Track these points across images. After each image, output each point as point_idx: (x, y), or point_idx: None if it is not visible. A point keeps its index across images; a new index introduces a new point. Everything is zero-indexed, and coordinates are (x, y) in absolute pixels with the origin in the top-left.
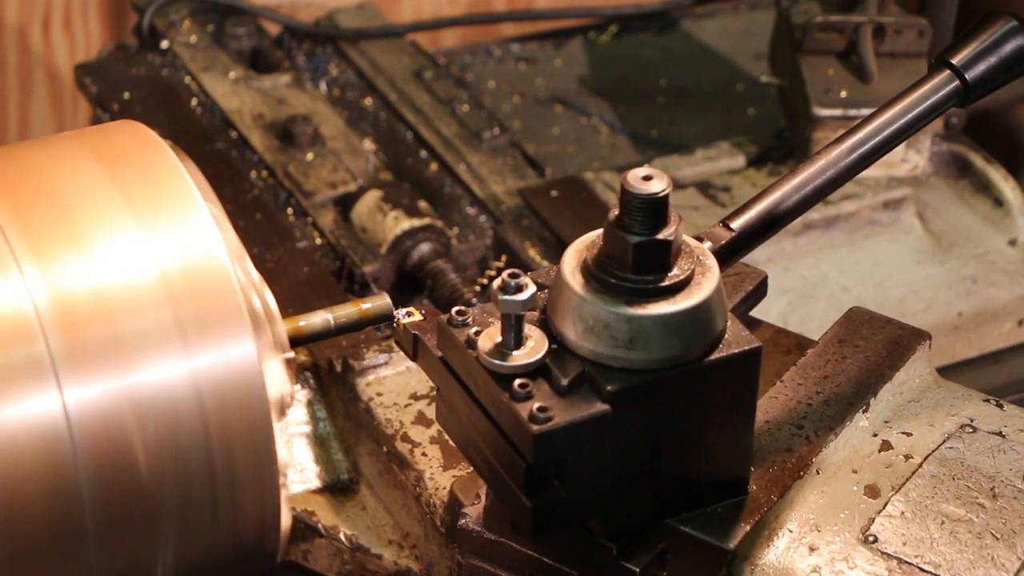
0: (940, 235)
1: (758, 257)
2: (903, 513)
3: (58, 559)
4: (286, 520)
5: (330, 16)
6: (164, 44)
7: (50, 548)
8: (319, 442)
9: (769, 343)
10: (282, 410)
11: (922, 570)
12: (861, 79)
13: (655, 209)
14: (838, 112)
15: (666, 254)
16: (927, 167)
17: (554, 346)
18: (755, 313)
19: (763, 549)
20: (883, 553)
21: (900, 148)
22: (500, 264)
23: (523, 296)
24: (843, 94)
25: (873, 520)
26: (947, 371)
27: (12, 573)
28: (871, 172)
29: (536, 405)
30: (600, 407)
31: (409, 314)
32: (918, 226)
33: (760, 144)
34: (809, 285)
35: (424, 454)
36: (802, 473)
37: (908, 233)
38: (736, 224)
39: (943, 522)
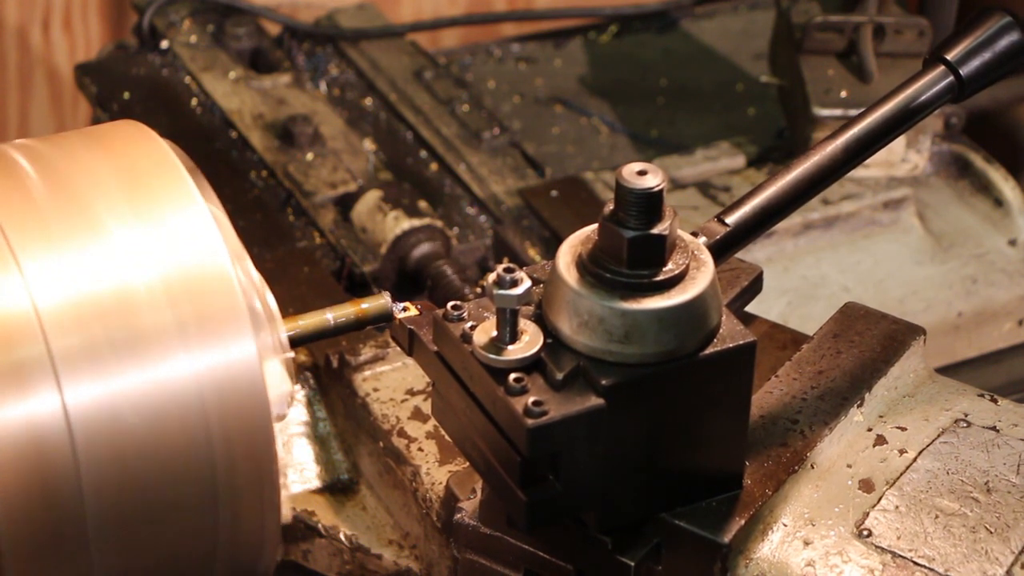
0: (940, 235)
1: (758, 256)
2: (897, 507)
3: (58, 559)
4: (286, 520)
5: (330, 16)
6: (164, 44)
7: (50, 548)
8: (319, 442)
9: (764, 338)
10: (281, 410)
11: (916, 564)
12: (861, 79)
13: (650, 204)
14: (838, 112)
15: (661, 249)
16: (927, 167)
17: (549, 341)
18: (755, 313)
19: (758, 543)
20: (877, 547)
21: (900, 148)
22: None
23: (518, 290)
24: (843, 94)
25: (867, 514)
26: (947, 371)
27: (12, 573)
28: (871, 172)
29: (531, 399)
30: (595, 401)
31: (405, 309)
32: (918, 226)
33: (760, 144)
34: (809, 285)
35: (420, 449)
36: (796, 467)
37: (908, 233)
38: (731, 219)
39: (937, 516)
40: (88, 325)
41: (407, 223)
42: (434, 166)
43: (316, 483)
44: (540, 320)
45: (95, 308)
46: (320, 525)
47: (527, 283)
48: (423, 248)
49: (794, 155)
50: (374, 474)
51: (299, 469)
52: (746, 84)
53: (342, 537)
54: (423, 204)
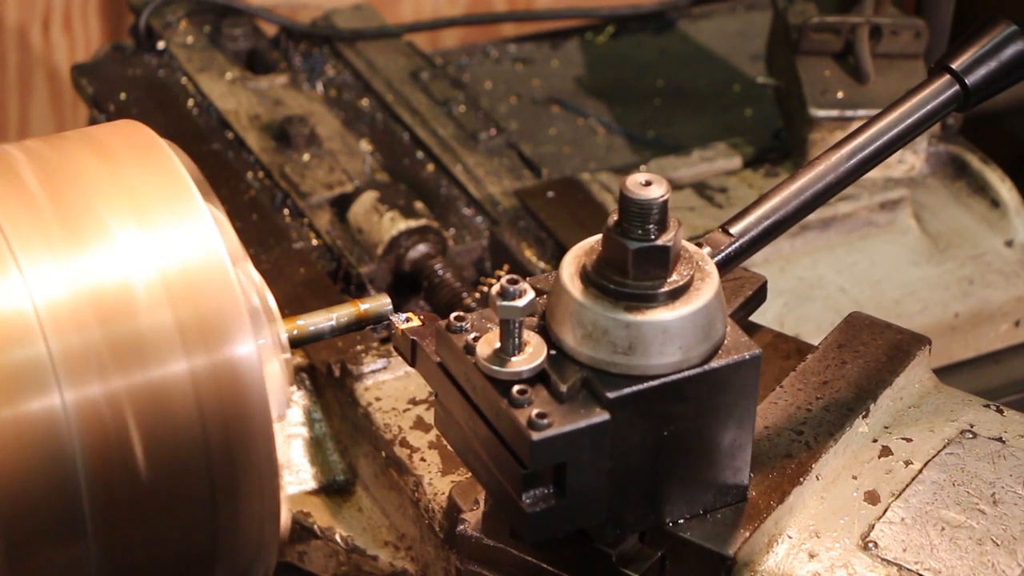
0: (937, 236)
1: (754, 258)
2: (903, 519)
3: (59, 559)
4: (286, 521)
5: (327, 17)
6: (160, 45)
7: (51, 548)
8: (315, 443)
9: (768, 348)
10: (281, 411)
11: None
12: (858, 80)
13: (654, 214)
14: (835, 113)
15: (665, 260)
16: (924, 168)
17: (553, 352)
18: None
19: (763, 555)
20: (883, 559)
21: None
22: (502, 273)
23: (522, 302)
24: (840, 95)
25: (873, 526)
26: (944, 372)
27: (14, 573)
28: (868, 173)
29: (535, 411)
30: (599, 414)
31: (408, 319)
32: (915, 227)
33: (757, 145)
34: (805, 286)
35: (423, 459)
36: (802, 479)
37: (905, 234)
38: (735, 229)
39: (943, 528)
40: (88, 325)
41: (403, 224)
42: (430, 167)
43: (312, 484)
44: (544, 331)
45: (95, 308)
46: (316, 526)
47: (531, 294)
48: (419, 249)
49: (791, 156)
50: (370, 475)
51: (295, 470)
52: (743, 85)
53: (338, 538)
54: (419, 205)
